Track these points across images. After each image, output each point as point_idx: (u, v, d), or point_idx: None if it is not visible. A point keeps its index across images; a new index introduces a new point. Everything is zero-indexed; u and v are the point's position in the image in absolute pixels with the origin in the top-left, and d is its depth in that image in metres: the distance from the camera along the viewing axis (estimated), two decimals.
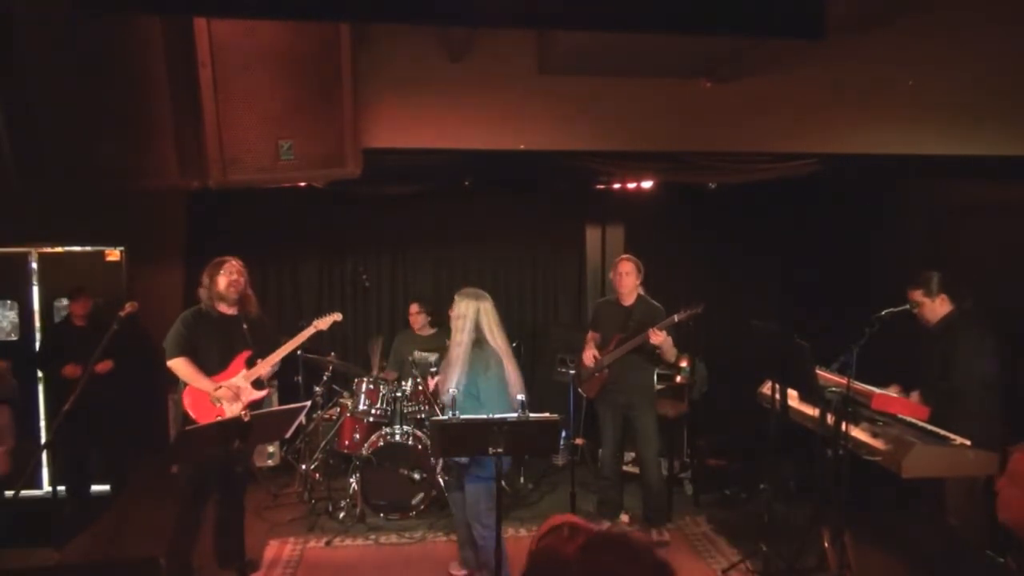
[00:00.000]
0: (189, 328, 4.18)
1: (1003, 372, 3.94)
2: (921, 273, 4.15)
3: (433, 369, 4.60)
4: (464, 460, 3.80)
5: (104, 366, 5.00)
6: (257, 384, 4.30)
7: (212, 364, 4.20)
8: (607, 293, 6.84)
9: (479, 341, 3.83)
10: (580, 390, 5.14)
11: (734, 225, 6.86)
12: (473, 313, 3.84)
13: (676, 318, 4.61)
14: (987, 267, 4.52)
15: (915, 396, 4.03)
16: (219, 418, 3.90)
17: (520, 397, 3.64)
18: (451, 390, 3.77)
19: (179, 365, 4.14)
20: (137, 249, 5.94)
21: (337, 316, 4.74)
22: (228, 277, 4.22)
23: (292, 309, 6.88)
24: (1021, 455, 2.37)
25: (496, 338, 3.85)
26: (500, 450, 3.26)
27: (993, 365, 3.91)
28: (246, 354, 4.28)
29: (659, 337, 4.57)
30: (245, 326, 4.30)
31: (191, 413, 4.14)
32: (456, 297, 3.97)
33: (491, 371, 3.78)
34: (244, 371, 4.25)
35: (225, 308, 4.27)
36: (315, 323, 4.62)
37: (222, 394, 4.14)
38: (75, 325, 5.40)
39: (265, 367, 4.30)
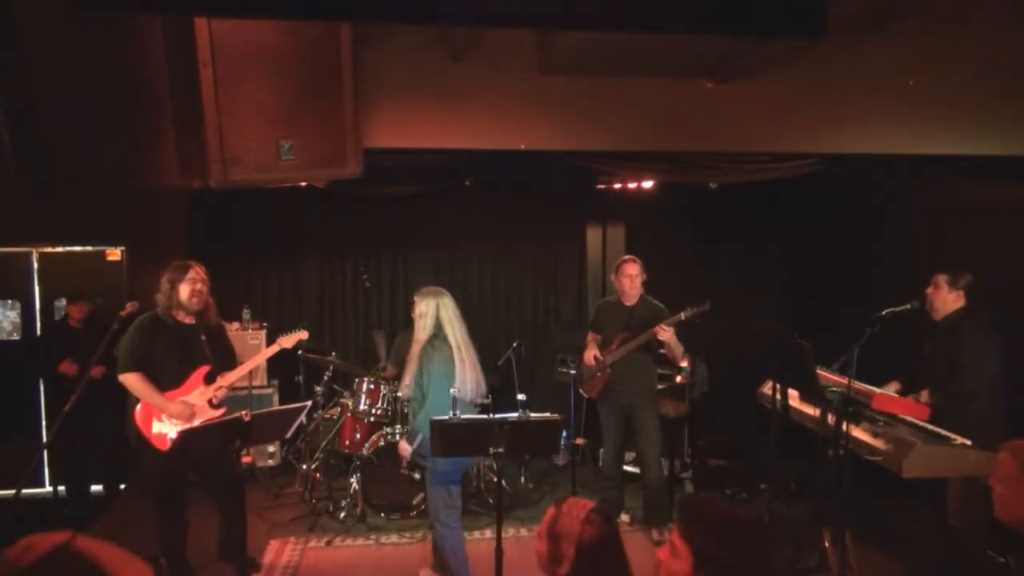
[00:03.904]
0: (144, 338, 3.90)
1: (1007, 372, 3.94)
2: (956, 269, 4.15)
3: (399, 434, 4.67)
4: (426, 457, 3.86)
5: (97, 371, 4.71)
6: (211, 403, 4.06)
7: (168, 378, 3.94)
8: (608, 293, 6.85)
9: (434, 336, 3.88)
10: (581, 390, 5.13)
11: (734, 225, 6.86)
12: (433, 310, 3.89)
13: (683, 315, 4.60)
14: (988, 267, 4.51)
15: (924, 396, 4.02)
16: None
17: (520, 396, 3.66)
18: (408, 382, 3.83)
19: (132, 380, 3.88)
20: (138, 249, 5.93)
21: (303, 334, 4.44)
22: (192, 286, 3.94)
23: (292, 309, 6.90)
24: (1006, 455, 2.38)
25: (456, 330, 3.90)
26: (500, 450, 3.27)
27: (998, 366, 3.91)
28: (205, 369, 4.02)
29: (667, 333, 4.57)
30: (204, 337, 4.03)
31: (143, 430, 3.93)
32: (416, 298, 4.00)
33: (433, 362, 3.83)
34: (201, 387, 4.01)
35: (183, 317, 3.99)
36: (279, 340, 4.37)
37: (176, 412, 3.91)
38: (71, 327, 5.39)
39: (224, 385, 4.06)
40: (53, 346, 5.36)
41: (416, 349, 3.88)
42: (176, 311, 3.98)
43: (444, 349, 3.85)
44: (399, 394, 3.95)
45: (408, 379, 3.90)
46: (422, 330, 3.89)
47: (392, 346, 6.31)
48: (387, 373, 5.87)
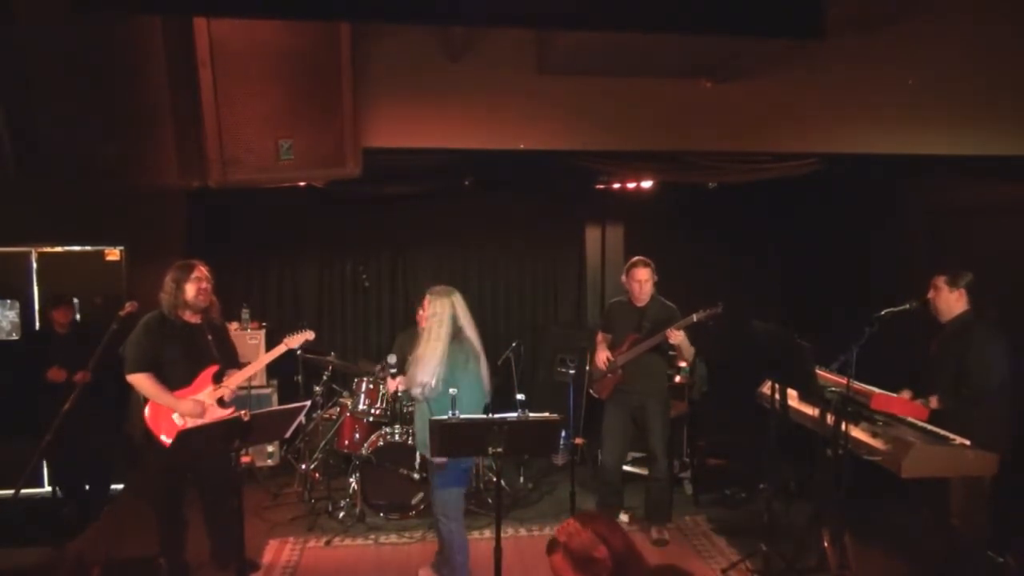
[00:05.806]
0: (153, 338, 3.91)
1: (1012, 374, 3.94)
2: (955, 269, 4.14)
3: (393, 370, 4.63)
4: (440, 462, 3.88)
5: (82, 376, 4.66)
6: (220, 402, 4.08)
7: (177, 378, 3.97)
8: (607, 293, 6.85)
9: (456, 335, 3.91)
10: (591, 391, 5.08)
11: (734, 225, 6.87)
12: (449, 309, 3.91)
13: (695, 317, 4.56)
14: (988, 267, 4.51)
15: (934, 401, 4.00)
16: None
17: (520, 396, 3.67)
18: (431, 383, 3.84)
19: (141, 381, 3.89)
20: (137, 249, 5.93)
21: (309, 334, 4.47)
22: (198, 285, 3.97)
23: (292, 309, 6.90)
24: None
25: (471, 332, 3.95)
26: (500, 450, 3.27)
27: (1004, 368, 3.91)
28: (213, 369, 4.06)
29: (677, 337, 4.55)
30: (210, 336, 4.08)
31: (152, 429, 3.95)
32: (429, 296, 4.00)
33: (470, 364, 3.88)
34: (210, 387, 4.05)
35: (190, 316, 4.01)
36: (286, 340, 4.39)
37: (187, 410, 3.93)
38: (57, 333, 5.30)
39: (232, 384, 4.09)
40: (39, 355, 5.25)
41: (439, 347, 3.87)
42: (182, 310, 3.99)
43: (468, 347, 3.90)
44: (416, 392, 3.94)
45: (427, 378, 3.87)
46: (438, 327, 3.88)
47: (394, 345, 6.31)
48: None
